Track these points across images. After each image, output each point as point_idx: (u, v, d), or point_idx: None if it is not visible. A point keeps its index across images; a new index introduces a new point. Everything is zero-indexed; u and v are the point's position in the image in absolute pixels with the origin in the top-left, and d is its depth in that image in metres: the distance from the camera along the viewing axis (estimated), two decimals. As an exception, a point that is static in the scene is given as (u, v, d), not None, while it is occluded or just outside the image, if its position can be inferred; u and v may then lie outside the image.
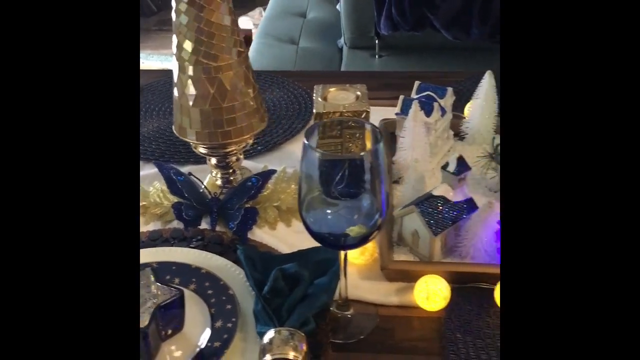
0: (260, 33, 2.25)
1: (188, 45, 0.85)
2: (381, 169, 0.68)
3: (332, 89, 0.97)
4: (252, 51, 2.13)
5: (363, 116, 0.92)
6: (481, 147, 1.00)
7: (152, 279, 0.73)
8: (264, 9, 2.57)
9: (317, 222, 0.72)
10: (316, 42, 2.18)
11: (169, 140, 1.12)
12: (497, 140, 0.96)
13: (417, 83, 1.04)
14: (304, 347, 0.69)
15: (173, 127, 0.94)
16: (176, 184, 0.94)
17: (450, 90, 1.03)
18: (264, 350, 0.69)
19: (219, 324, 0.75)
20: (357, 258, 0.85)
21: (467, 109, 1.10)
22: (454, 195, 0.83)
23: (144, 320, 0.68)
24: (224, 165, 0.98)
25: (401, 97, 1.02)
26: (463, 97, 1.17)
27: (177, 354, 0.73)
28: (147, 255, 0.84)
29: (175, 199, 0.94)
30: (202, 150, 0.95)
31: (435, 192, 0.83)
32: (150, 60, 3.25)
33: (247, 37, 2.46)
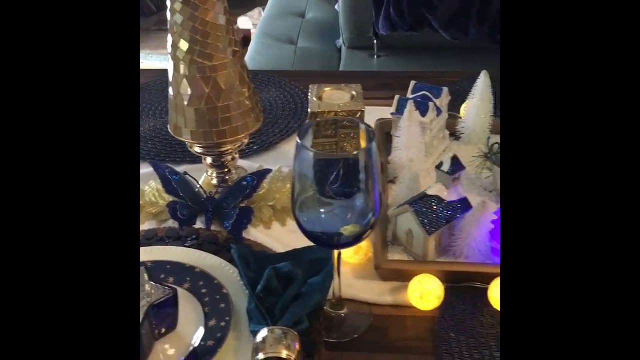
0: (259, 33, 2.25)
1: (183, 45, 0.85)
2: (374, 168, 0.68)
3: (327, 89, 0.97)
4: (250, 51, 2.13)
5: (358, 116, 0.92)
6: (477, 147, 1.01)
7: (146, 277, 0.73)
8: (264, 9, 2.57)
9: (311, 222, 0.72)
10: (315, 42, 2.18)
11: (165, 140, 1.12)
12: (492, 140, 0.96)
13: (412, 83, 1.04)
14: (297, 346, 0.69)
15: (168, 126, 0.94)
16: (171, 183, 0.94)
17: (445, 90, 1.03)
18: (257, 349, 0.69)
19: (212, 322, 0.75)
20: (351, 257, 0.85)
21: (463, 109, 1.10)
22: (448, 195, 0.83)
23: (137, 319, 0.69)
24: (219, 165, 0.98)
25: (397, 97, 1.02)
26: (459, 97, 1.17)
27: (171, 352, 0.73)
28: (142, 254, 0.84)
29: (170, 198, 0.95)
30: (197, 149, 0.95)
31: (430, 192, 0.84)
32: (149, 60, 3.25)
33: (246, 37, 2.47)
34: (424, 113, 0.97)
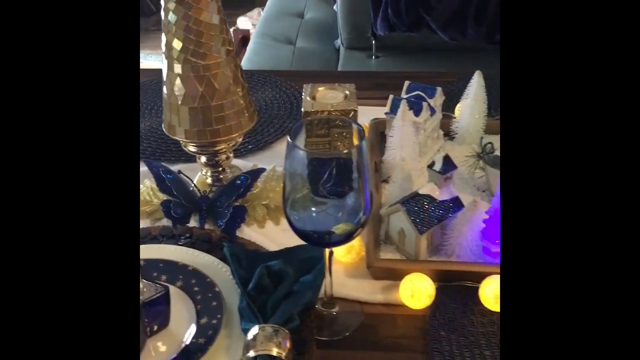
0: (257, 33, 2.26)
1: (177, 44, 0.86)
2: (365, 167, 0.68)
3: (321, 88, 0.97)
4: (249, 51, 2.13)
5: (351, 115, 0.92)
6: (470, 147, 1.01)
7: (138, 275, 0.74)
8: (263, 9, 2.58)
9: (302, 220, 0.72)
10: (313, 42, 2.18)
11: (160, 139, 1.13)
12: (485, 140, 0.96)
13: (407, 83, 1.04)
14: (288, 344, 0.70)
15: (163, 125, 0.95)
16: (165, 181, 0.94)
17: (439, 90, 1.03)
18: (247, 347, 0.70)
19: (204, 320, 0.75)
20: (343, 256, 0.85)
21: (458, 109, 1.10)
22: (440, 194, 0.84)
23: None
24: (213, 164, 0.98)
25: (391, 96, 1.03)
26: (454, 98, 1.17)
27: (162, 349, 0.73)
28: (135, 252, 0.84)
29: (164, 197, 0.95)
30: (191, 148, 0.95)
31: (422, 191, 0.84)
32: (149, 60, 3.25)
33: (245, 38, 2.47)
34: (417, 113, 0.97)
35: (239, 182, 0.95)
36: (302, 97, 0.96)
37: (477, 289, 0.79)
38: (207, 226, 0.93)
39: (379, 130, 1.08)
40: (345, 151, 0.67)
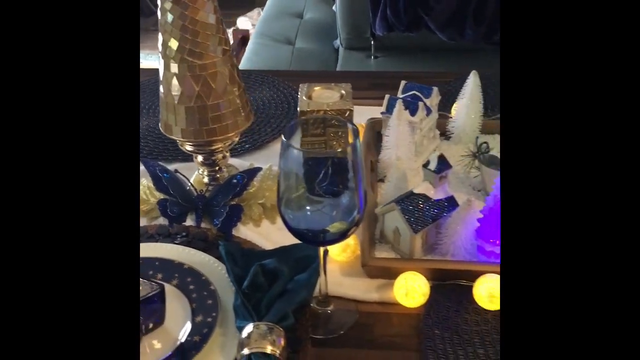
0: (257, 33, 2.26)
1: (173, 43, 0.86)
2: (359, 166, 0.69)
3: (317, 88, 0.98)
4: (248, 51, 2.14)
5: (347, 115, 0.93)
6: (466, 146, 1.01)
7: (134, 273, 0.74)
8: (263, 10, 2.58)
9: (297, 219, 0.73)
10: (312, 42, 2.18)
11: (157, 138, 1.13)
12: (481, 140, 0.96)
13: (403, 82, 1.05)
14: (282, 342, 0.70)
15: (160, 124, 0.95)
16: (162, 180, 0.95)
17: (435, 90, 1.04)
18: (242, 345, 0.70)
19: (199, 318, 0.76)
20: (339, 255, 0.86)
21: (454, 109, 1.10)
22: (435, 193, 0.84)
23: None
24: (210, 163, 0.98)
25: (387, 96, 1.03)
26: (451, 97, 1.18)
27: (158, 347, 0.73)
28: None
29: (161, 196, 0.95)
30: (188, 147, 0.96)
31: (417, 190, 0.84)
32: (148, 60, 3.26)
33: (245, 38, 2.48)
34: (413, 112, 0.98)
35: (235, 181, 0.95)
36: (299, 96, 0.97)
37: (471, 287, 0.80)
38: (203, 225, 0.94)
39: (376, 130, 1.08)
40: (339, 150, 0.68)
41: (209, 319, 0.75)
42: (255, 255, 0.82)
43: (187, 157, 1.03)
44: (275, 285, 0.76)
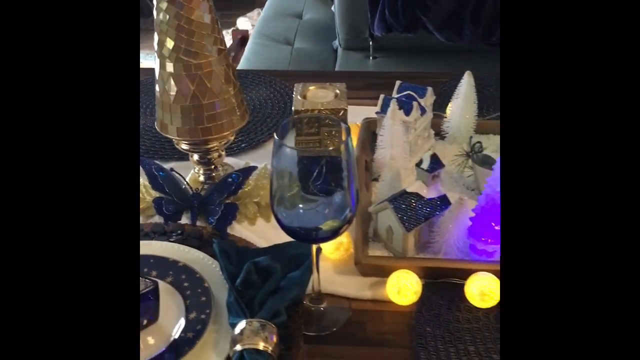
0: (256, 33, 2.27)
1: (169, 43, 0.87)
2: (351, 164, 0.69)
3: (311, 87, 0.98)
4: (247, 51, 2.14)
5: (341, 114, 0.93)
6: (461, 146, 1.02)
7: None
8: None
9: (289, 217, 0.73)
10: (311, 43, 2.19)
11: (154, 137, 1.14)
12: (475, 140, 0.97)
13: (398, 82, 1.06)
14: (274, 339, 0.71)
15: (155, 123, 0.96)
16: (157, 179, 0.95)
17: (430, 90, 1.04)
18: (234, 341, 0.71)
19: (193, 315, 0.76)
20: (332, 253, 0.86)
21: (449, 109, 1.11)
22: (428, 192, 0.85)
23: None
24: (205, 162, 0.99)
25: (382, 96, 1.04)
26: (446, 98, 1.18)
27: (151, 343, 0.74)
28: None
29: (156, 194, 0.96)
30: (184, 146, 0.96)
31: (410, 189, 0.85)
32: (148, 60, 3.26)
33: (244, 38, 2.48)
34: (407, 112, 0.98)
35: (230, 179, 0.96)
36: (293, 95, 0.97)
37: (463, 285, 0.80)
38: (198, 223, 0.94)
39: (371, 130, 1.09)
40: (330, 148, 0.68)
41: (203, 316, 0.76)
42: (249, 253, 0.82)
43: (183, 156, 1.04)
44: (268, 283, 0.77)
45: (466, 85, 1.04)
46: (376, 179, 0.99)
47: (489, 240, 0.81)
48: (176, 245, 0.88)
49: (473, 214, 0.82)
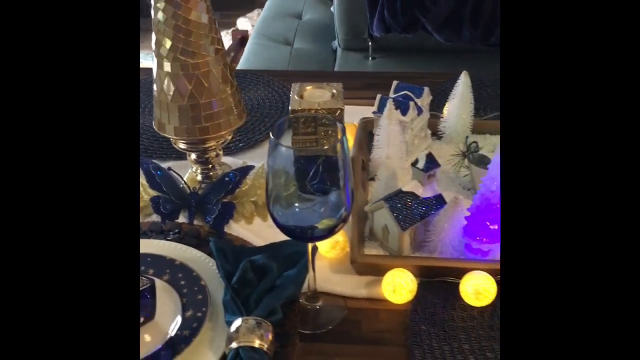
0: (255, 34, 2.28)
1: (166, 43, 0.87)
2: (346, 163, 0.70)
3: (308, 87, 0.99)
4: (247, 51, 2.15)
5: (337, 114, 0.94)
6: (457, 146, 1.02)
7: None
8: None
9: (285, 216, 0.74)
10: (310, 43, 2.20)
11: (152, 136, 1.14)
12: (470, 140, 0.97)
13: (395, 82, 1.06)
14: (270, 337, 0.72)
15: (153, 122, 0.96)
16: (155, 178, 0.96)
17: (426, 90, 1.05)
18: (230, 339, 0.71)
19: (189, 313, 0.77)
20: (328, 252, 0.87)
21: (446, 109, 1.11)
22: (424, 192, 0.85)
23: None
24: (203, 161, 1.00)
25: (378, 96, 1.04)
26: (444, 98, 1.19)
27: (148, 340, 0.75)
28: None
29: (154, 193, 0.97)
30: (181, 145, 0.97)
31: (405, 188, 0.85)
32: (148, 60, 3.26)
33: (244, 38, 2.49)
34: (404, 112, 0.99)
35: (227, 179, 0.96)
36: (290, 95, 0.98)
37: (458, 284, 0.81)
38: (196, 222, 0.95)
39: (368, 130, 1.09)
40: (326, 147, 0.69)
41: (199, 314, 0.76)
42: (245, 252, 0.83)
43: (181, 155, 1.04)
44: (264, 281, 0.77)
45: (463, 85, 1.05)
46: (372, 179, 1.00)
47: (484, 239, 0.82)
48: (173, 244, 0.89)
49: (468, 213, 0.83)
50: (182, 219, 0.95)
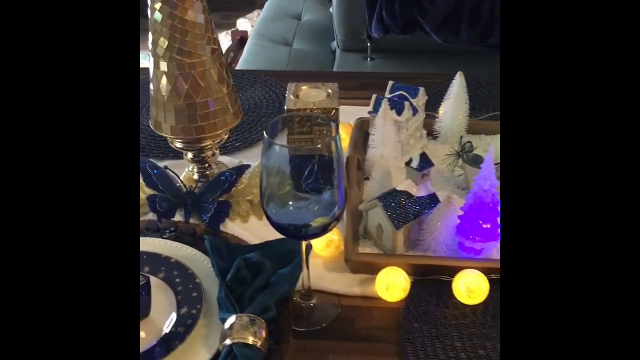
0: (254, 34, 2.28)
1: (162, 42, 0.88)
2: (339, 162, 0.71)
3: (304, 87, 1.00)
4: (246, 52, 2.15)
5: (332, 113, 0.94)
6: (452, 146, 1.03)
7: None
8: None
9: (279, 214, 0.74)
10: (309, 44, 2.20)
11: (149, 136, 1.15)
12: (465, 140, 0.98)
13: (390, 83, 1.07)
14: (264, 333, 0.72)
15: (150, 121, 0.97)
16: (151, 177, 0.97)
17: (422, 90, 1.05)
18: (224, 335, 0.72)
19: (184, 310, 0.78)
20: (323, 250, 0.88)
21: (441, 109, 1.12)
22: (418, 191, 0.86)
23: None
24: (199, 160, 1.00)
25: (374, 96, 1.05)
26: (439, 98, 1.19)
27: (142, 337, 0.75)
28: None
29: (150, 192, 0.97)
30: (177, 144, 0.98)
31: (399, 187, 0.86)
32: (145, 60, 3.27)
33: (243, 38, 2.49)
34: (399, 112, 1.00)
35: (223, 178, 0.97)
36: (286, 95, 0.99)
37: (450, 282, 0.81)
38: (192, 220, 0.95)
39: (364, 129, 1.10)
40: (319, 146, 0.69)
41: (194, 311, 0.77)
42: (240, 250, 0.84)
43: (178, 154, 1.05)
44: (258, 279, 0.78)
45: (458, 85, 1.05)
46: (367, 178, 1.00)
47: (477, 238, 0.82)
48: (169, 242, 0.90)
49: (461, 212, 0.83)
50: (178, 217, 0.96)
